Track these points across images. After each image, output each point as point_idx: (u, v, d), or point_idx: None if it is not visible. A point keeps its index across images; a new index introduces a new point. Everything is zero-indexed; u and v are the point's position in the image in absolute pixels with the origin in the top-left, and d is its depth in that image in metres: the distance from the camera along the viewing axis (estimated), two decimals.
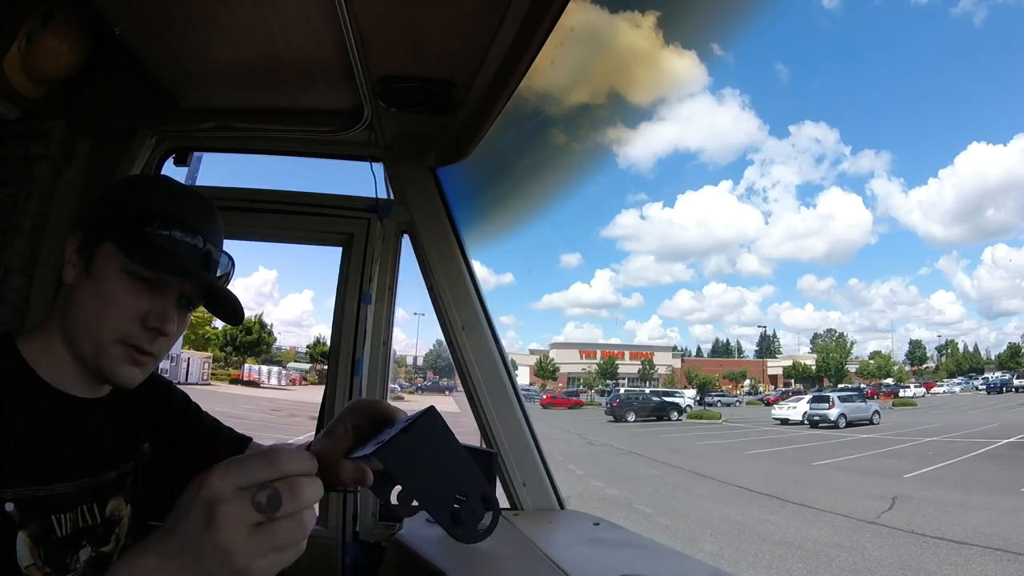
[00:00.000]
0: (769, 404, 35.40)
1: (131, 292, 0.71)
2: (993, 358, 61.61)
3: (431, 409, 0.49)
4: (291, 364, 46.52)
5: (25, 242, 1.34)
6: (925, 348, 67.61)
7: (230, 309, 0.78)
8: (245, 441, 0.96)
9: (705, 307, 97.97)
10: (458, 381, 1.60)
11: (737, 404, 42.98)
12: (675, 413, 28.45)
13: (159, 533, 0.46)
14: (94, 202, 0.78)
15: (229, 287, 0.81)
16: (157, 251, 0.71)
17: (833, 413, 22.17)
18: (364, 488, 0.68)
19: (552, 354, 61.61)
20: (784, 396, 38.07)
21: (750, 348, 77.83)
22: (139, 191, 0.78)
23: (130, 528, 0.81)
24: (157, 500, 0.86)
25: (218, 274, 0.79)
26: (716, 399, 42.82)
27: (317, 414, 1.56)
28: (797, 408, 24.79)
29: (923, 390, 45.88)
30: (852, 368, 58.70)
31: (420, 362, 67.05)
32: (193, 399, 0.96)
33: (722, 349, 79.39)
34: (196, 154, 1.62)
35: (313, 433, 1.00)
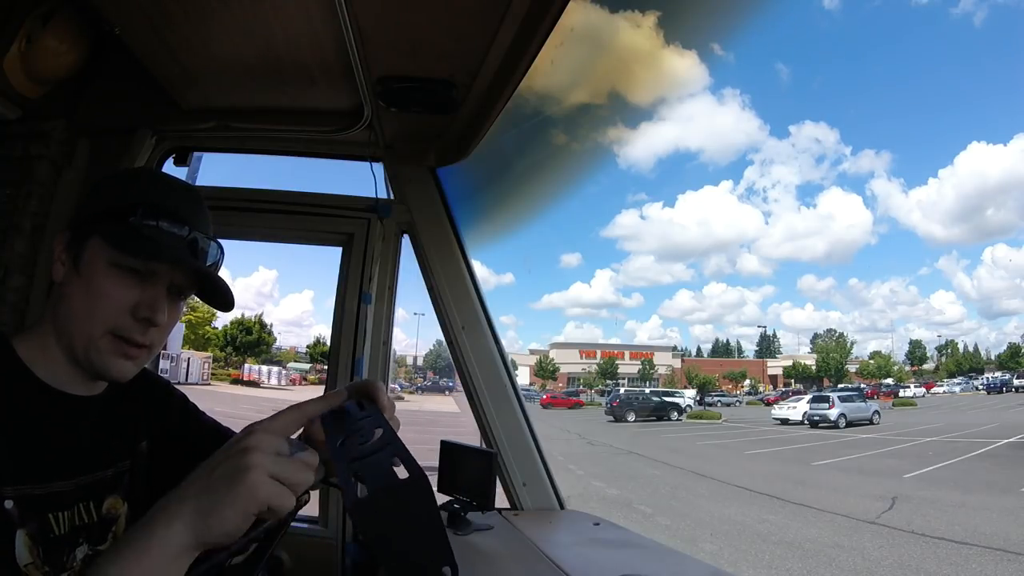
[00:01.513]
0: (769, 404, 35.31)
1: (120, 284, 0.71)
2: (993, 358, 61.40)
3: (424, 480, 0.46)
4: (291, 364, 46.43)
5: (25, 242, 1.34)
6: (925, 348, 67.29)
7: (221, 296, 0.78)
8: None
9: (705, 307, 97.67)
10: (458, 381, 1.60)
11: (737, 404, 42.87)
12: (675, 413, 28.39)
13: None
14: (83, 200, 0.78)
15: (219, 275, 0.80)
16: (144, 241, 0.71)
17: (833, 413, 22.12)
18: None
19: (552, 354, 61.48)
20: (784, 396, 37.97)
21: (750, 348, 77.66)
22: (124, 184, 0.78)
23: (127, 526, 0.81)
24: (154, 498, 0.86)
25: (207, 263, 0.78)
26: (716, 399, 42.72)
27: None
28: (797, 408, 24.72)
29: (923, 390, 45.70)
30: (852, 368, 58.53)
31: (420, 362, 67.02)
32: (193, 399, 0.96)
33: (722, 349, 79.20)
34: (196, 154, 1.62)
35: None
